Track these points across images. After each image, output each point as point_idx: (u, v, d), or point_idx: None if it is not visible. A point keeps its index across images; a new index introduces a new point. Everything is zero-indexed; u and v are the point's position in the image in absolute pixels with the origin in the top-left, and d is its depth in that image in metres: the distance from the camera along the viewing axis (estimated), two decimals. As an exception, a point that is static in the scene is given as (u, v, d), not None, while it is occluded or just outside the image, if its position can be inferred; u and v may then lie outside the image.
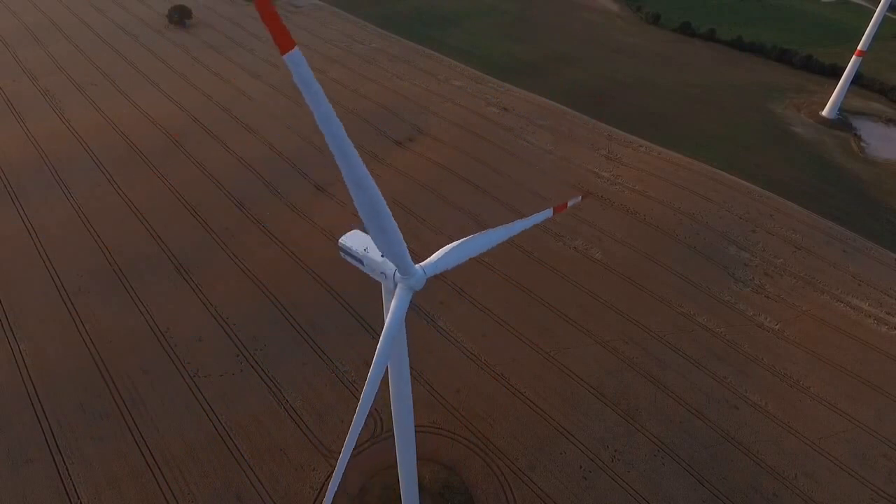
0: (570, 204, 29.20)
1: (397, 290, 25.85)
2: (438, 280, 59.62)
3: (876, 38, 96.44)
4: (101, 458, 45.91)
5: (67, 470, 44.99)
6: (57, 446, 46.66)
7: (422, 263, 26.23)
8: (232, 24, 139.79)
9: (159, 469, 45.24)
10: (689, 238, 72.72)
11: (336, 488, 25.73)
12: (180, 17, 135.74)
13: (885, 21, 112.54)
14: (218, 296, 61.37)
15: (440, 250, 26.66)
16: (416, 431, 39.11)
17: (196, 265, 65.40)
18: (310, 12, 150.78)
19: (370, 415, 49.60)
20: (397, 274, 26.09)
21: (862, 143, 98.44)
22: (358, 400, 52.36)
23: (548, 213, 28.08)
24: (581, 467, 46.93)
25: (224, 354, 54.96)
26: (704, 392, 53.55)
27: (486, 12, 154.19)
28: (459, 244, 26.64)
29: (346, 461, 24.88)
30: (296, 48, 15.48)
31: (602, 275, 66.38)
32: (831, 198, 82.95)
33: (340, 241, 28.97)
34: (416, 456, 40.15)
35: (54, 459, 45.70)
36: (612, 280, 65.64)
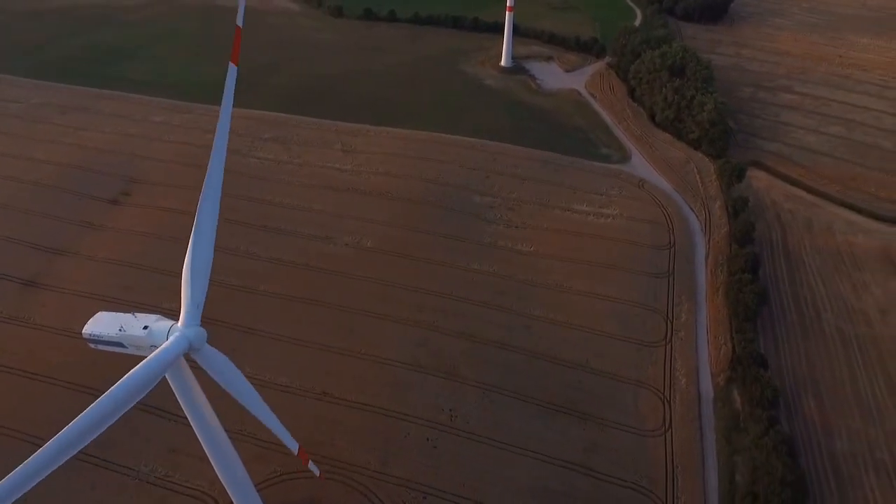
0: (309, 466, 32.45)
1: (171, 338, 24.38)
2: (222, 328, 54.40)
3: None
4: None
5: None
6: None
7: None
8: None
9: None
10: (440, 200, 79.01)
11: None
12: None
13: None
14: (-69, 465, 46.31)
15: (224, 356, 27.03)
16: (258, 490, 35.77)
17: None
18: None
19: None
20: (176, 325, 25.13)
21: (537, 81, 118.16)
22: (178, 494, 45.48)
23: (295, 445, 29.91)
24: (428, 440, 48.69)
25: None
26: (501, 325, 59.80)
27: (165, 38, 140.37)
28: (238, 380, 27.51)
29: None
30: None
31: (379, 260, 68.26)
32: (531, 131, 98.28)
33: (85, 330, 24.59)
34: (268, 516, 36.95)
35: None
36: (389, 261, 67.98)
